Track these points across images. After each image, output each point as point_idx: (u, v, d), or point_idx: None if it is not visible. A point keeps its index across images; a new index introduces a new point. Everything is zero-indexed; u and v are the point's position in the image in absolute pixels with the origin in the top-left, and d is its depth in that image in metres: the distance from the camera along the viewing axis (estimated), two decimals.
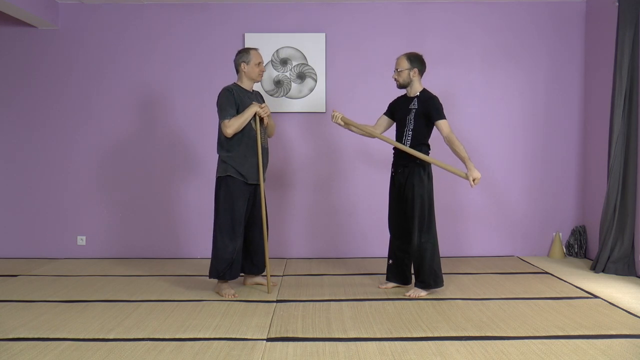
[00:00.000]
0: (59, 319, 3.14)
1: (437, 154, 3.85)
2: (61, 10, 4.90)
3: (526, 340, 2.76)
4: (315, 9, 4.90)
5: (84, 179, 4.95)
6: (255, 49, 3.73)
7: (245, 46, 4.51)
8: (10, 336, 2.85)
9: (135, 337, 2.84)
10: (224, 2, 4.90)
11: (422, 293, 3.61)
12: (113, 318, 3.16)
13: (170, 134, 4.94)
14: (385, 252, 3.97)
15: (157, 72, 4.92)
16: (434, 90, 3.71)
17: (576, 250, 4.92)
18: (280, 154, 4.87)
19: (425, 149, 3.64)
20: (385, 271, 3.93)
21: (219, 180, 3.64)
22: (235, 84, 3.70)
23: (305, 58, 4.87)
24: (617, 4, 4.25)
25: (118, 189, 4.95)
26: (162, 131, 4.94)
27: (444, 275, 3.72)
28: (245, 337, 2.84)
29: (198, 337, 2.84)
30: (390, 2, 4.91)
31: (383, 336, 2.84)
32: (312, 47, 4.86)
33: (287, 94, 4.89)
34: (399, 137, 3.66)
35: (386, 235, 3.90)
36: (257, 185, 3.70)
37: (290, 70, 4.87)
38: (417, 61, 3.63)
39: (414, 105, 3.62)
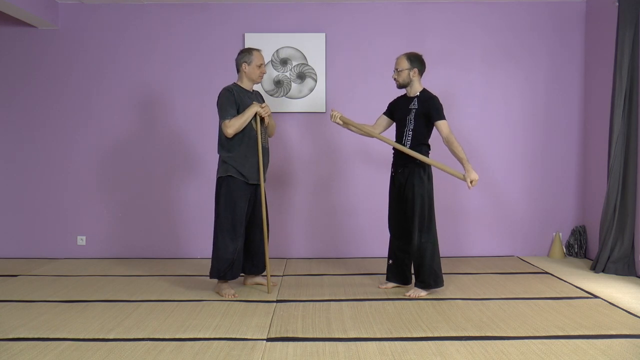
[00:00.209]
0: (59, 319, 3.14)
1: (437, 154, 3.85)
2: (61, 10, 4.90)
3: (526, 340, 2.76)
4: (315, 9, 4.90)
5: (84, 179, 4.95)
6: (258, 50, 3.72)
7: (246, 46, 4.51)
8: (10, 336, 2.85)
9: (135, 337, 2.84)
10: (224, 2, 4.90)
11: (422, 293, 3.61)
12: (113, 318, 3.16)
13: (170, 134, 4.94)
14: (385, 252, 3.97)
15: (157, 72, 4.92)
16: (434, 90, 3.71)
17: (576, 250, 4.92)
18: (280, 154, 4.87)
19: (425, 149, 3.64)
20: (385, 271, 3.93)
21: (220, 181, 3.64)
22: (235, 84, 3.70)
23: (305, 58, 4.87)
24: (617, 4, 4.25)
25: (118, 189, 4.95)
26: (162, 131, 4.94)
27: (444, 275, 3.72)
28: (245, 337, 2.84)
29: (198, 337, 2.84)
30: (390, 2, 4.91)
31: (383, 336, 2.84)
32: (312, 47, 4.86)
33: (287, 94, 4.89)
34: (399, 137, 3.66)
35: (386, 235, 3.90)
36: (258, 186, 3.70)
37: (290, 70, 4.87)
38: (417, 61, 3.63)
39: (414, 105, 3.61)
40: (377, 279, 4.09)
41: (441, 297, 3.57)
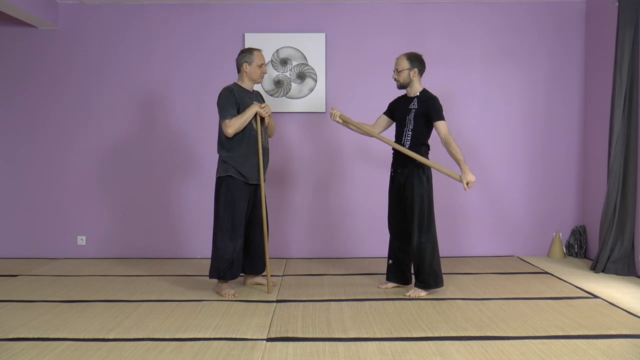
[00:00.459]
0: (59, 319, 3.14)
1: (437, 155, 3.85)
2: (61, 10, 4.90)
3: (526, 340, 2.76)
4: (315, 9, 4.90)
5: (84, 179, 4.95)
6: (259, 50, 3.72)
7: (246, 46, 4.51)
8: (10, 336, 2.85)
9: (135, 337, 2.84)
10: (224, 2, 4.90)
11: (422, 293, 3.61)
12: (113, 318, 3.16)
13: (170, 134, 4.94)
14: (385, 252, 3.97)
15: (157, 72, 4.92)
16: (434, 90, 3.71)
17: (576, 250, 4.92)
18: (280, 154, 4.87)
19: (425, 149, 3.63)
20: (385, 271, 3.93)
21: (220, 180, 3.64)
22: (235, 84, 3.70)
23: (305, 58, 4.87)
24: (617, 4, 4.25)
25: (118, 189, 4.95)
26: (162, 131, 4.94)
27: (444, 275, 3.72)
28: (245, 337, 2.84)
29: (198, 337, 2.84)
30: (390, 2, 4.91)
31: (383, 336, 2.84)
32: (312, 47, 4.86)
33: (287, 94, 4.89)
34: (399, 137, 3.66)
35: (386, 235, 3.90)
36: (258, 185, 3.70)
37: (290, 70, 4.87)
38: (417, 61, 3.63)
39: (414, 105, 3.61)
40: (377, 279, 4.09)
41: (441, 297, 3.57)
